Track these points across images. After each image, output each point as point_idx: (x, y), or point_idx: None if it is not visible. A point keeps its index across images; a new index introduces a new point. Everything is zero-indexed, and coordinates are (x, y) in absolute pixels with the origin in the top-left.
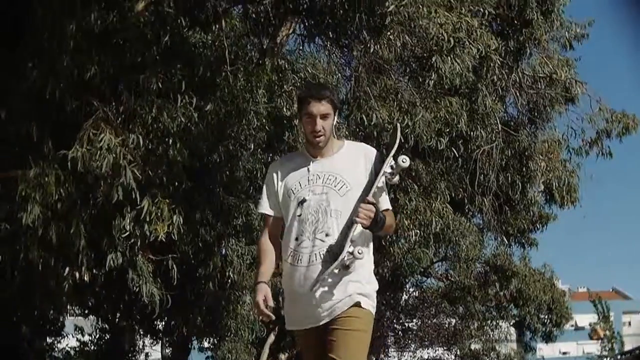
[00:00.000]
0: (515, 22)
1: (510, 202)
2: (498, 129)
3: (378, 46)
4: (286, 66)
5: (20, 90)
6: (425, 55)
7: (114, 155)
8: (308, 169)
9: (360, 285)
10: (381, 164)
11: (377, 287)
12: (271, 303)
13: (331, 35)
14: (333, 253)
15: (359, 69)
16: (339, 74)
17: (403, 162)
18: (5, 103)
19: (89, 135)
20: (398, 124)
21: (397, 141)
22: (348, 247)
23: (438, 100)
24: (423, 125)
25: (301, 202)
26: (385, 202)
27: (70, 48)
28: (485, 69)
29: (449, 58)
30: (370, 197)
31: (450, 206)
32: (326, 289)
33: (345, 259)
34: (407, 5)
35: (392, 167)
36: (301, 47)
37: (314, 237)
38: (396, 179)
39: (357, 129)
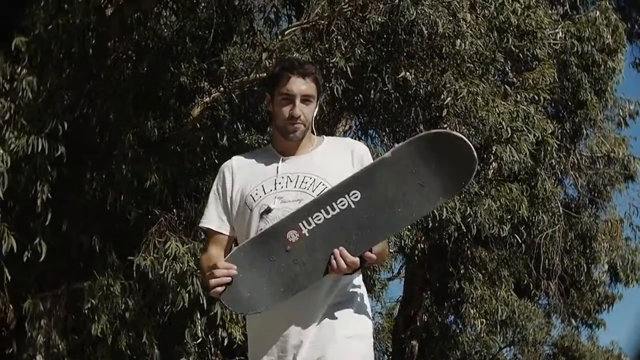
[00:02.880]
0: (570, 104)
1: (576, 284)
2: (559, 212)
3: None
4: None
5: (81, 202)
6: (483, 144)
7: (181, 264)
8: (277, 168)
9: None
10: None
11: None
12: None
13: (387, 130)
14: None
15: None
16: None
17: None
18: (66, 216)
19: (154, 243)
20: None
21: None
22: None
23: (498, 188)
24: (485, 214)
25: (264, 213)
26: None
27: (128, 158)
28: (543, 153)
29: (507, 147)
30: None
31: (516, 292)
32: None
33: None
34: (464, 97)
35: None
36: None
37: None
38: None
39: (422, 223)
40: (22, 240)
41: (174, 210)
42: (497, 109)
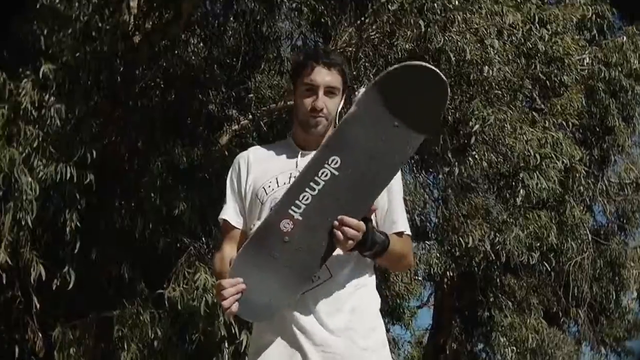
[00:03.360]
0: (598, 130)
1: (605, 312)
2: (588, 239)
3: (463, 167)
4: None
5: (110, 230)
6: (511, 172)
7: (211, 295)
8: (295, 163)
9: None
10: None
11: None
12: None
13: (415, 157)
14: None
15: (446, 189)
16: (427, 196)
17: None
18: (95, 244)
19: (184, 273)
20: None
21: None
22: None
23: (527, 215)
24: (514, 241)
25: None
26: (398, 219)
27: (157, 186)
28: (571, 180)
29: (535, 174)
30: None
31: (545, 319)
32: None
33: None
34: (492, 124)
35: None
36: None
37: None
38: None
39: (451, 251)
40: (51, 268)
41: (203, 239)
42: (525, 136)
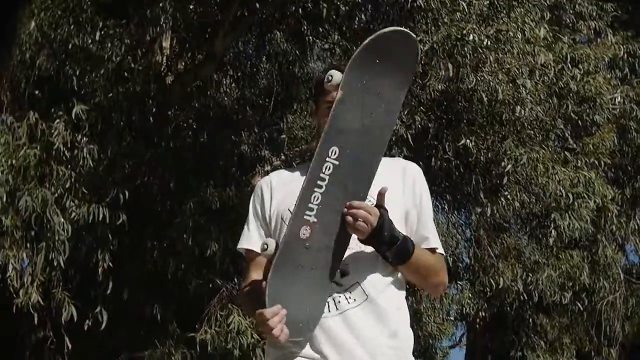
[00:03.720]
0: (629, 169)
1: (637, 351)
2: (620, 279)
3: (496, 207)
4: None
5: (142, 271)
6: (544, 212)
7: (245, 337)
8: None
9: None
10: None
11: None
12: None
13: (448, 197)
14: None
15: (478, 230)
16: (459, 236)
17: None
18: (127, 285)
19: (216, 315)
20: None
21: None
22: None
23: (559, 255)
24: (546, 281)
25: None
26: (429, 234)
27: (189, 227)
28: (603, 219)
29: (567, 214)
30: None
31: (577, 359)
32: None
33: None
34: (524, 164)
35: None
36: None
37: None
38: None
39: (484, 291)
40: (83, 309)
41: (235, 280)
42: (557, 176)
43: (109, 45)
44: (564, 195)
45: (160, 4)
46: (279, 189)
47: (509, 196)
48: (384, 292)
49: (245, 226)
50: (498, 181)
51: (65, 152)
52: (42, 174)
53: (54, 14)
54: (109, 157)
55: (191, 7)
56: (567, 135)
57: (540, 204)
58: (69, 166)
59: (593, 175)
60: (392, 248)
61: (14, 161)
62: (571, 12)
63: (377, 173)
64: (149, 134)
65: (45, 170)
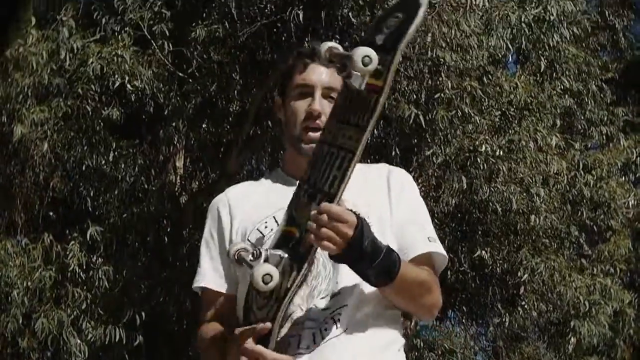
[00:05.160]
0: None
1: None
2: None
3: (513, 318)
4: (421, 344)
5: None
6: (561, 320)
7: None
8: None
9: None
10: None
11: None
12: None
13: (464, 309)
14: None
15: (496, 340)
16: (476, 346)
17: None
18: None
19: None
20: None
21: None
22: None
23: None
24: None
25: None
26: (417, 240)
27: None
28: (621, 323)
29: (585, 321)
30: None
31: None
32: None
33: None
34: (541, 273)
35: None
36: (438, 323)
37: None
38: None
39: None
40: None
41: None
42: (574, 284)
43: (123, 165)
44: (581, 302)
45: (173, 124)
46: (239, 205)
47: (526, 306)
48: (364, 324)
49: (199, 261)
50: (515, 291)
51: (81, 273)
52: (57, 295)
53: (67, 135)
54: (125, 277)
55: (204, 126)
56: (582, 241)
57: (558, 312)
58: (85, 287)
59: (609, 282)
60: (374, 263)
61: (29, 283)
62: (582, 118)
63: (353, 176)
64: (164, 254)
65: (61, 292)
